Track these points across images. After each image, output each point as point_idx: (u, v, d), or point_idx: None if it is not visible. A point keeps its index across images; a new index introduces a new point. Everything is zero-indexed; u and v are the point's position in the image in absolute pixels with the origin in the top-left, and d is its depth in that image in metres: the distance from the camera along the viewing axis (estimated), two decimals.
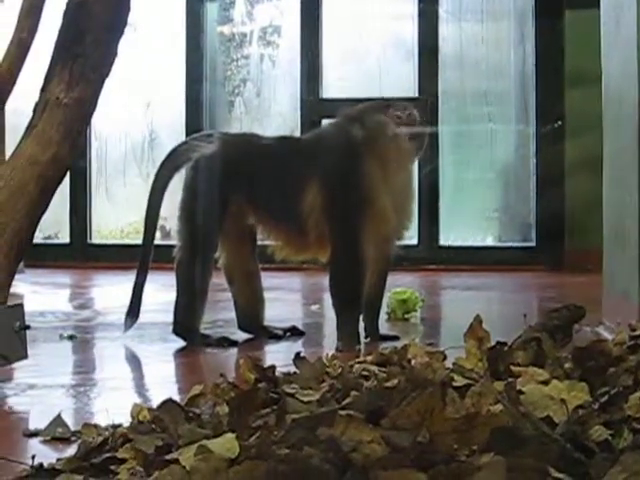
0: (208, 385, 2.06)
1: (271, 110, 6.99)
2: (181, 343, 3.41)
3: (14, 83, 4.33)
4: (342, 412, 1.43)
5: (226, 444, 1.47)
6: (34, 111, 2.74)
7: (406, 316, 3.97)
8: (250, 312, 3.55)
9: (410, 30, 6.74)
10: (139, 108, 7.12)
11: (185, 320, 3.40)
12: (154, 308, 4.21)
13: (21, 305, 2.72)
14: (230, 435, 1.53)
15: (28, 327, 2.68)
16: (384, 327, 3.60)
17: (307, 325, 3.84)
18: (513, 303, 4.72)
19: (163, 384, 2.75)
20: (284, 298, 4.84)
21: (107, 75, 2.80)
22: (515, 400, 1.49)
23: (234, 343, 3.34)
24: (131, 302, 3.47)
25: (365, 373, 2.12)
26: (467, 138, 6.85)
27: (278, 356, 3.14)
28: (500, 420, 1.47)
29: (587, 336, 2.84)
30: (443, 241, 6.69)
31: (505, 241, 6.76)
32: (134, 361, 3.21)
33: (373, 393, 1.61)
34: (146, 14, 6.62)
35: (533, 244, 6.65)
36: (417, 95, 6.57)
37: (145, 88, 7.04)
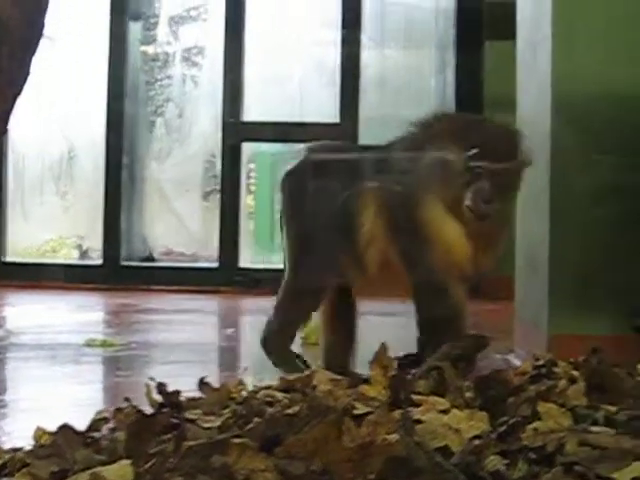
0: (112, 409, 2.05)
1: (192, 131, 6.97)
2: (95, 365, 3.38)
3: None
4: (236, 440, 1.43)
5: (120, 471, 1.46)
6: None
7: (319, 342, 3.97)
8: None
9: (332, 56, 6.77)
10: (57, 125, 7.05)
11: (278, 339, 3.05)
12: (68, 329, 4.17)
13: None
14: (125, 462, 1.52)
15: None
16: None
17: (222, 349, 3.83)
18: None
19: (74, 407, 2.71)
20: (200, 321, 4.82)
21: (20, 92, 2.78)
22: (410, 429, 1.50)
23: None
24: None
25: (269, 399, 2.11)
26: None
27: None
28: (395, 449, 1.48)
29: (496, 364, 2.87)
30: None
31: None
32: (46, 383, 3.17)
33: (271, 421, 1.61)
34: (68, 31, 6.57)
35: None
36: (338, 121, 6.60)
37: (64, 105, 6.97)
